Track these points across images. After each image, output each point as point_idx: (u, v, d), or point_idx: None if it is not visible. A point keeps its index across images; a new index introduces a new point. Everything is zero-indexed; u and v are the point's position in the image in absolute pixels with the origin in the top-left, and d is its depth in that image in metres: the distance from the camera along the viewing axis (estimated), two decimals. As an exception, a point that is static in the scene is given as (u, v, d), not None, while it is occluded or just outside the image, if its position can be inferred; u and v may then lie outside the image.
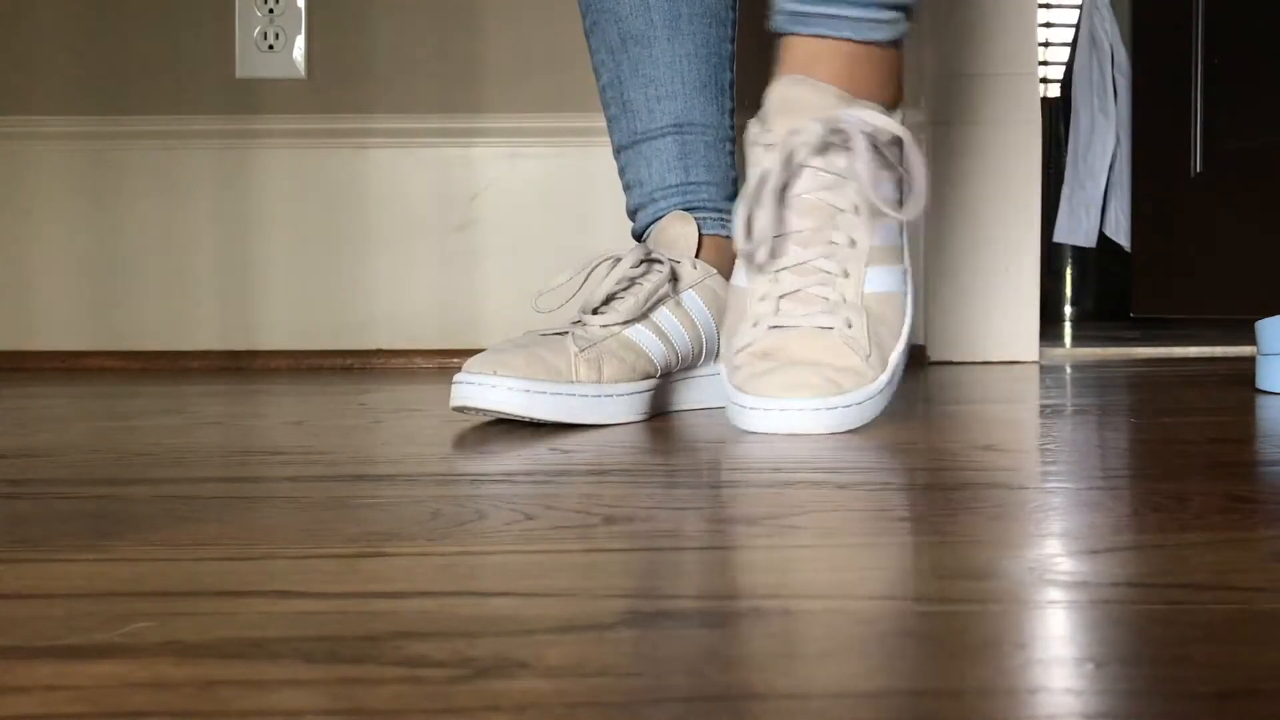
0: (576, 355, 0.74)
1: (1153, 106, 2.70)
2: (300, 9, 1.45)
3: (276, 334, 1.45)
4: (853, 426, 0.69)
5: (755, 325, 0.72)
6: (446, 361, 1.42)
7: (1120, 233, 2.82)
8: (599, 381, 0.75)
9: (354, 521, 0.45)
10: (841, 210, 0.72)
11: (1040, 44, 2.79)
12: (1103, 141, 2.81)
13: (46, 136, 1.46)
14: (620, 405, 0.77)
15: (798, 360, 0.70)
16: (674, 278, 0.82)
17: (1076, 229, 2.85)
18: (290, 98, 1.46)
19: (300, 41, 1.45)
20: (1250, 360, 1.04)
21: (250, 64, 1.45)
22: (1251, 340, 1.03)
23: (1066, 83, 3.04)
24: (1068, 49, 3.15)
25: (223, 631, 0.31)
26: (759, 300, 0.73)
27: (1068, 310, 3.56)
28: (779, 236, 0.72)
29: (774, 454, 0.63)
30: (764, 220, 0.72)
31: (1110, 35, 2.83)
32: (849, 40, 0.73)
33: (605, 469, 0.58)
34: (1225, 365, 1.35)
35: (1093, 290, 3.55)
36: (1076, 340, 2.05)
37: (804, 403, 0.68)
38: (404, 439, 0.72)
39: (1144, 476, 0.56)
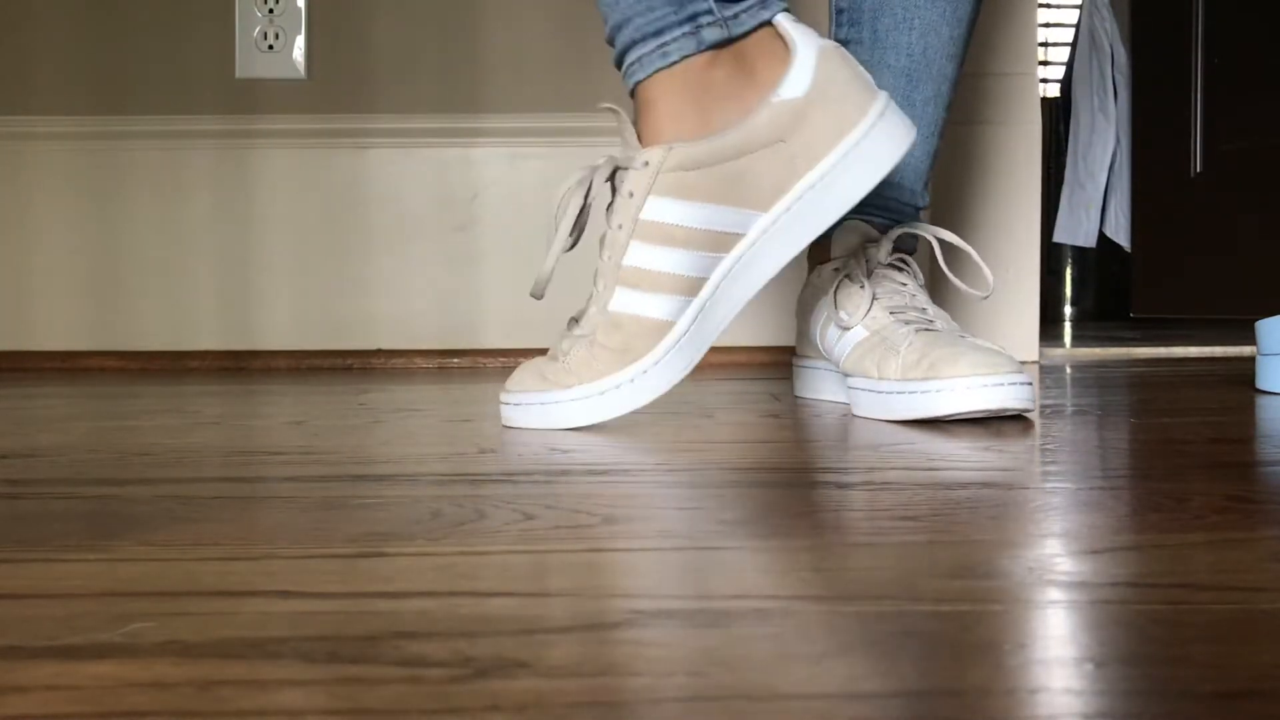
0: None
1: (1153, 106, 2.70)
2: (300, 9, 1.45)
3: (276, 334, 1.45)
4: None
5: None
6: (446, 361, 1.42)
7: (1120, 233, 2.82)
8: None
9: (354, 521, 0.45)
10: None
11: (1040, 44, 2.79)
12: (1103, 141, 2.81)
13: (46, 136, 1.45)
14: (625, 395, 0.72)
15: None
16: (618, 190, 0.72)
17: (1076, 229, 2.85)
18: (290, 98, 1.46)
19: (300, 41, 1.45)
20: (1250, 360, 1.04)
21: (250, 64, 1.45)
22: (1251, 340, 1.03)
23: (1066, 83, 3.04)
24: (1068, 49, 3.15)
25: (223, 631, 0.31)
26: None
27: (1068, 310, 3.56)
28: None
29: (773, 454, 0.63)
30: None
31: (1110, 35, 2.83)
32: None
33: (605, 469, 0.58)
34: (1225, 365, 1.35)
35: (1093, 290, 3.55)
36: (1076, 340, 2.05)
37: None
38: (404, 439, 0.72)
39: (1144, 476, 0.56)
